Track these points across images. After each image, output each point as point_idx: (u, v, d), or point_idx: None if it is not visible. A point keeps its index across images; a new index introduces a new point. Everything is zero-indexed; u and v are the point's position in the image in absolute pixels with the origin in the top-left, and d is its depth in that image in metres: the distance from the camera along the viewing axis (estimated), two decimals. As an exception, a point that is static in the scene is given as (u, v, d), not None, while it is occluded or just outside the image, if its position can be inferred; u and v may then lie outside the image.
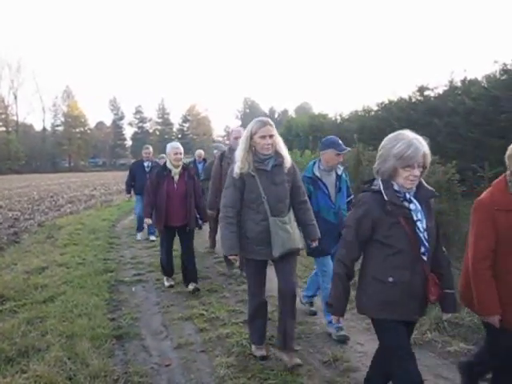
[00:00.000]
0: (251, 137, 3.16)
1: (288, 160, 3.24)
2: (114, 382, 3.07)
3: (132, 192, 8.68)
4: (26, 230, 10.03)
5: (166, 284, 5.39)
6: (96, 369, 3.15)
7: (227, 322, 4.13)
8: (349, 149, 3.98)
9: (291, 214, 3.29)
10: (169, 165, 5.17)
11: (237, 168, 3.15)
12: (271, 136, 3.14)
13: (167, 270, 5.47)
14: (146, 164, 8.47)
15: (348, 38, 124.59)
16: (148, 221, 5.43)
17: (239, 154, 3.19)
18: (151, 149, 8.76)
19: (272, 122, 3.22)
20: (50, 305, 4.59)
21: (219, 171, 5.37)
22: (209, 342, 3.72)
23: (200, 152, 9.53)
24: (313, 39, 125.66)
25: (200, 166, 8.84)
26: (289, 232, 3.15)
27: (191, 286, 5.08)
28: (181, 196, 5.11)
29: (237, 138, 4.80)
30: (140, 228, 8.67)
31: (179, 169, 5.16)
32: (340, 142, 3.79)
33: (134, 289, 5.35)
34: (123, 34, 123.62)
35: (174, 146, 5.22)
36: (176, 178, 5.14)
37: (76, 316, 4.24)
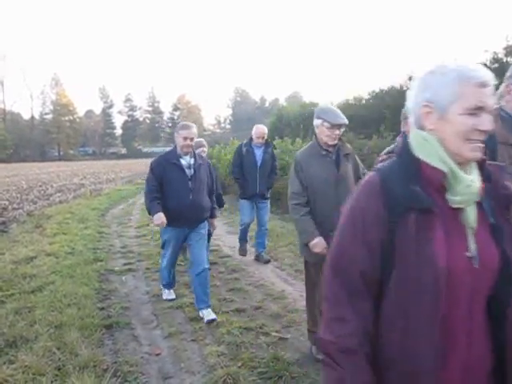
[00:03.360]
0: None
1: None
2: (104, 371, 3.05)
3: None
4: (14, 219, 9.90)
5: None
6: (85, 359, 3.13)
7: (218, 310, 4.11)
8: None
9: None
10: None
11: None
12: None
13: None
14: (184, 161, 4.03)
15: (339, 27, 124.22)
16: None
17: None
18: (195, 129, 4.06)
19: None
20: (39, 295, 4.55)
21: None
22: (199, 331, 3.72)
23: (262, 129, 5.70)
24: (304, 28, 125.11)
25: (258, 153, 5.63)
26: None
27: None
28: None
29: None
30: (170, 282, 4.57)
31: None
32: None
33: (123, 278, 5.32)
34: (112, 21, 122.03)
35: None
36: (472, 216, 1.08)
37: (65, 306, 4.20)
